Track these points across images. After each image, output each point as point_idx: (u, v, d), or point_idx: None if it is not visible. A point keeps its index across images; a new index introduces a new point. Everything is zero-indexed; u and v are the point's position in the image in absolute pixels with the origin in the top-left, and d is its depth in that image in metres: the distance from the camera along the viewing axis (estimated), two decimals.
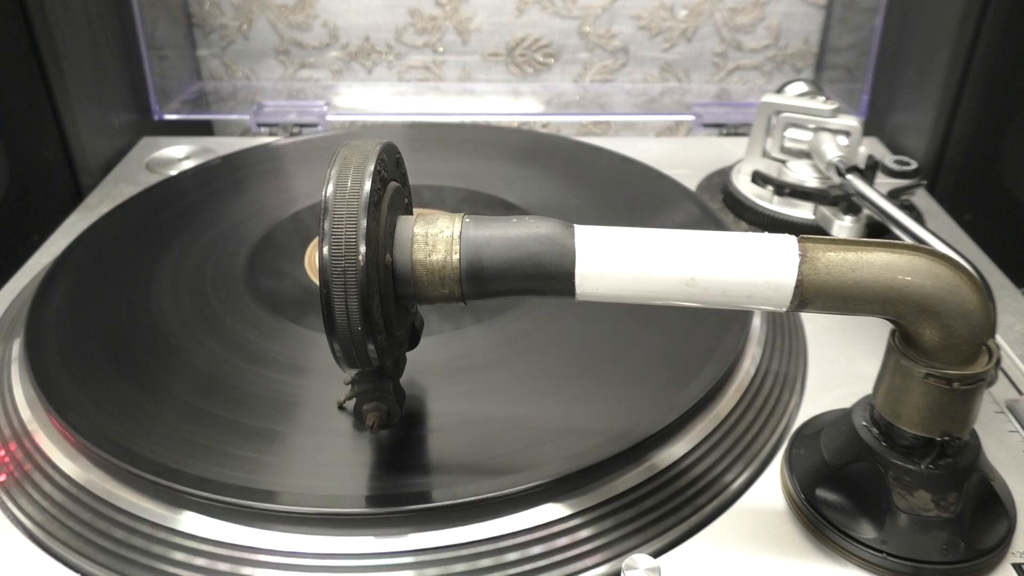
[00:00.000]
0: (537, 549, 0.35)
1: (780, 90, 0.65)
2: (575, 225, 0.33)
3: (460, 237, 0.32)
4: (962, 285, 0.31)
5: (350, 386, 0.36)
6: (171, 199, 0.60)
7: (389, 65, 0.88)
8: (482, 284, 0.33)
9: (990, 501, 0.35)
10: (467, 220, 0.33)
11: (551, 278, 0.32)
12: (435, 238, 0.33)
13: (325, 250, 0.31)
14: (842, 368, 0.46)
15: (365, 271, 0.31)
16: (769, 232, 0.32)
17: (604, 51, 0.87)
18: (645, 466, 0.37)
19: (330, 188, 0.31)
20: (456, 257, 0.32)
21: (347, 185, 0.31)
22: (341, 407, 0.40)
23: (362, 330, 0.31)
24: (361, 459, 0.37)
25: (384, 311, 0.33)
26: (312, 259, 0.52)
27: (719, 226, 0.55)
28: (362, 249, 0.30)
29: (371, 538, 0.34)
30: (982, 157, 0.66)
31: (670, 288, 0.32)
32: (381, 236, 0.32)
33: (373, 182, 0.32)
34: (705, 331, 0.44)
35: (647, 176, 0.62)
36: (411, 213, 0.37)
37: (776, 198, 0.59)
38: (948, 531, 0.33)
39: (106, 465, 0.37)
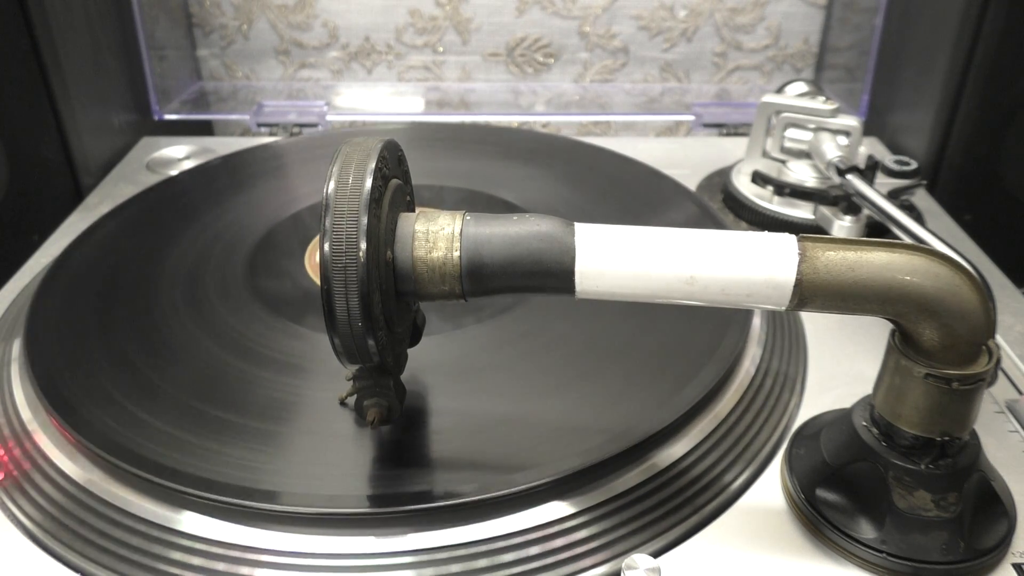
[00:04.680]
0: (537, 549, 0.35)
1: (780, 90, 0.65)
2: (575, 223, 0.33)
3: (461, 234, 0.32)
4: (962, 285, 0.31)
5: (351, 382, 0.36)
6: (171, 199, 0.60)
7: (389, 65, 0.88)
8: (482, 281, 0.33)
9: (990, 501, 0.35)
10: (468, 217, 0.33)
11: (551, 275, 0.32)
12: (436, 235, 0.33)
13: (326, 246, 0.31)
14: (842, 368, 0.46)
15: (366, 267, 0.31)
16: (769, 232, 0.32)
17: (604, 51, 0.87)
18: (645, 466, 0.37)
19: (331, 185, 0.31)
20: (457, 254, 0.32)
21: (348, 182, 0.31)
22: (343, 403, 0.40)
23: (362, 326, 0.31)
24: (361, 459, 0.37)
25: (385, 307, 0.33)
26: (312, 259, 0.52)
27: (719, 226, 0.55)
28: (363, 246, 0.31)
29: (371, 538, 0.34)
30: (982, 157, 0.66)
31: (670, 286, 0.32)
32: (382, 233, 0.32)
33: (374, 179, 0.32)
34: (705, 331, 0.44)
35: (647, 176, 0.62)
36: (413, 210, 0.37)
37: (776, 198, 0.59)
38: (948, 531, 0.33)
39: (106, 465, 0.37)
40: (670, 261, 0.32)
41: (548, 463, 0.36)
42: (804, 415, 0.42)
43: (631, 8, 0.85)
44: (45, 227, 0.61)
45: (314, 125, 0.79)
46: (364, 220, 0.31)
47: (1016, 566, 0.34)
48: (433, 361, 0.42)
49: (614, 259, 0.32)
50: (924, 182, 0.62)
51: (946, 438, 0.33)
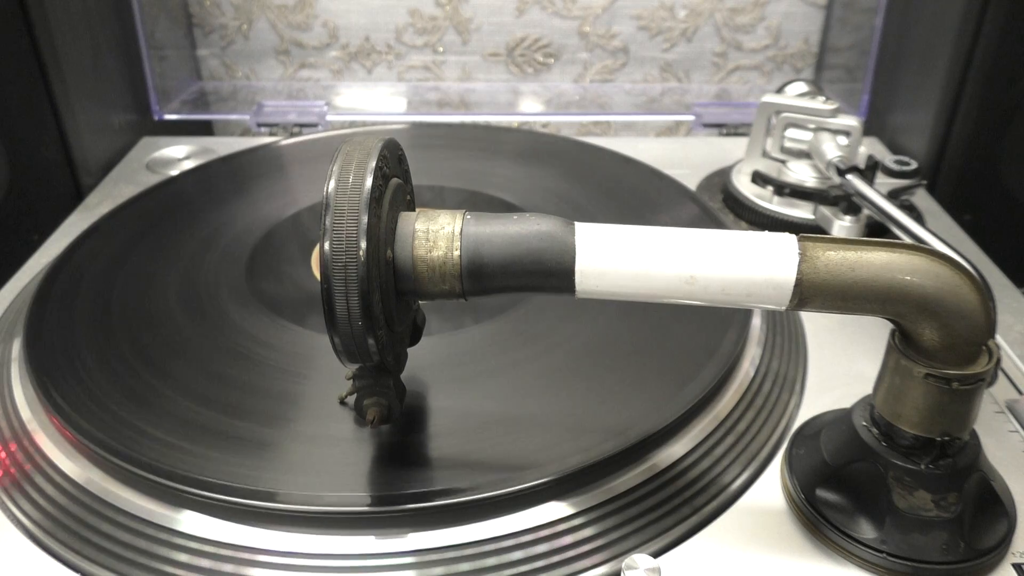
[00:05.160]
0: (537, 549, 0.35)
1: (780, 90, 0.65)
2: (575, 222, 0.33)
3: (461, 233, 0.32)
4: (962, 285, 0.31)
5: (351, 381, 0.36)
6: (171, 199, 0.60)
7: (389, 65, 0.88)
8: (482, 280, 0.33)
9: (990, 501, 0.35)
10: (468, 217, 0.33)
11: (551, 275, 0.32)
12: (436, 234, 0.33)
13: (326, 245, 0.31)
14: (842, 368, 0.46)
15: (366, 266, 0.31)
16: (769, 232, 0.32)
17: (604, 51, 0.87)
18: (645, 466, 0.37)
19: (332, 184, 0.31)
20: (457, 253, 0.32)
21: (349, 181, 0.31)
22: (343, 402, 0.40)
23: (362, 325, 0.31)
24: (361, 459, 0.37)
25: (385, 307, 0.33)
26: (316, 261, 0.52)
27: (719, 226, 0.55)
28: (363, 245, 0.31)
29: (371, 538, 0.34)
30: (982, 157, 0.66)
31: (670, 286, 0.32)
32: (382, 232, 0.32)
33: (375, 178, 0.32)
34: (705, 331, 0.44)
35: (647, 176, 0.62)
36: (414, 210, 0.37)
37: (776, 198, 0.59)
38: (948, 531, 0.33)
39: (106, 465, 0.37)
40: (670, 261, 0.32)
41: (548, 463, 0.36)
42: (804, 415, 0.42)
43: (631, 8, 0.85)
44: (45, 227, 0.61)
45: (314, 125, 0.79)
46: (364, 219, 0.31)
47: (1016, 566, 0.34)
48: (433, 361, 0.42)
49: (614, 258, 0.32)
50: (924, 182, 0.62)
51: (946, 438, 0.33)
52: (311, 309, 0.47)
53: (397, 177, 0.36)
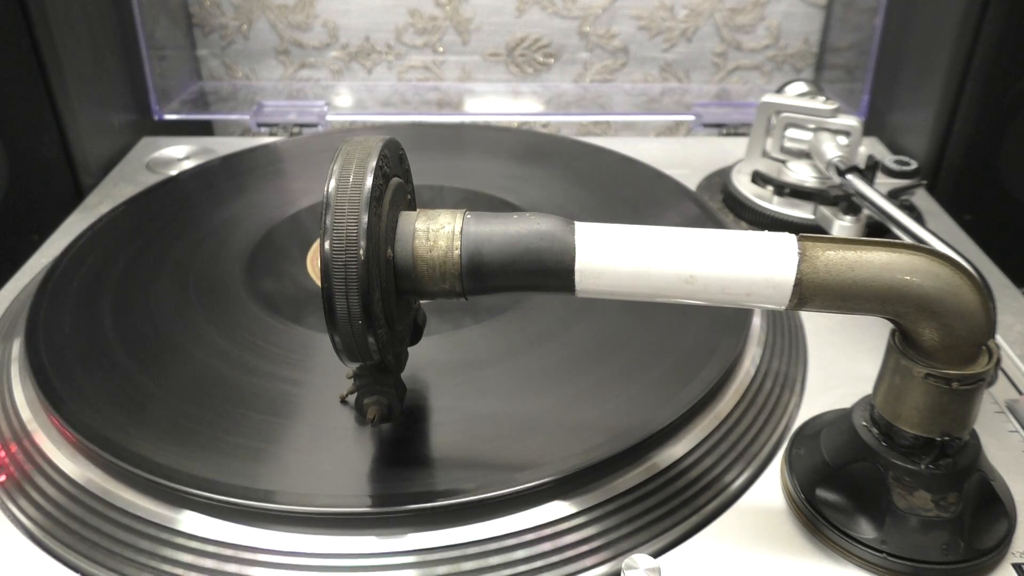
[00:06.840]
0: (537, 549, 0.35)
1: (780, 90, 0.65)
2: (575, 222, 0.33)
3: (461, 233, 0.33)
4: (962, 285, 0.31)
5: (352, 380, 0.36)
6: (171, 199, 0.60)
7: (389, 65, 0.88)
8: (482, 279, 0.33)
9: (990, 501, 0.35)
10: (468, 216, 0.33)
11: (551, 274, 0.32)
12: (436, 233, 0.33)
13: (327, 245, 0.31)
14: (842, 368, 0.46)
15: (366, 265, 0.31)
16: (769, 232, 0.32)
17: (604, 51, 0.87)
18: (645, 466, 0.37)
19: (332, 183, 0.31)
20: (457, 252, 0.32)
21: (349, 180, 0.31)
22: (343, 401, 0.40)
23: (363, 324, 0.31)
24: (362, 459, 0.37)
25: (385, 306, 0.33)
26: (313, 261, 0.52)
27: (719, 226, 0.55)
28: (363, 244, 0.31)
29: (372, 538, 0.34)
30: (982, 157, 0.66)
31: (669, 285, 0.32)
32: (382, 231, 0.32)
33: (375, 178, 0.32)
34: (705, 331, 0.44)
35: (647, 176, 0.62)
36: (414, 209, 0.37)
37: (776, 198, 0.59)
38: (948, 531, 0.33)
39: (106, 465, 0.37)
40: (670, 260, 0.32)
41: (549, 463, 0.36)
42: (804, 415, 0.42)
43: (631, 8, 0.85)
44: (45, 227, 0.61)
45: (314, 125, 0.79)
46: (365, 218, 0.31)
47: (1016, 566, 0.34)
48: (434, 360, 0.42)
49: (614, 258, 0.32)
50: (924, 182, 0.62)
51: (946, 438, 0.33)
52: (311, 308, 0.47)
53: (398, 176, 0.36)
